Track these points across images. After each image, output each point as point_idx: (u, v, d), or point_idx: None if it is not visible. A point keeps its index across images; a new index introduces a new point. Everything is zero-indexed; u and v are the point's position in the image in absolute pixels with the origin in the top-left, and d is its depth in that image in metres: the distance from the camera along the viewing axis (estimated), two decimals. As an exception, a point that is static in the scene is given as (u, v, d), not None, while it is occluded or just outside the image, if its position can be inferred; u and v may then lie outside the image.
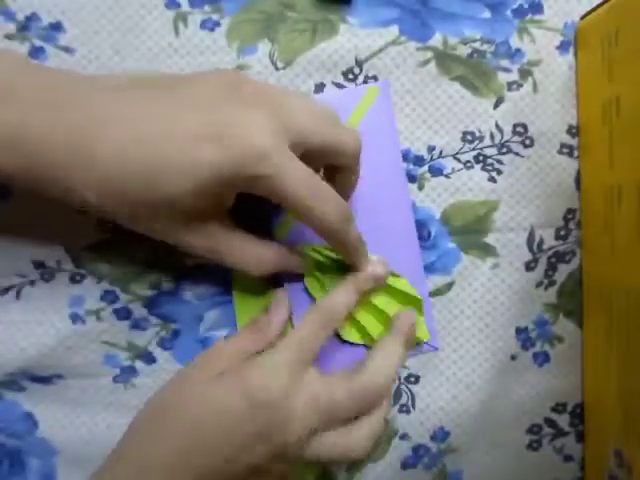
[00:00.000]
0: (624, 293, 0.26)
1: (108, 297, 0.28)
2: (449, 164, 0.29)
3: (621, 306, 0.26)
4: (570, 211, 0.30)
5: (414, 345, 0.29)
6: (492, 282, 0.30)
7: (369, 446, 0.25)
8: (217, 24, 0.28)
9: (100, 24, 0.28)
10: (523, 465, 0.31)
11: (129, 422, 0.28)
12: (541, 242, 0.30)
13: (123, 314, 0.28)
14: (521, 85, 0.29)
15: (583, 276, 0.30)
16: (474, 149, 0.30)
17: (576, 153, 0.30)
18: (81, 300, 0.28)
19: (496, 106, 0.29)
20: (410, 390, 0.30)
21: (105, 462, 0.24)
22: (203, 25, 0.28)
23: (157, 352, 0.29)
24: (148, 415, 0.25)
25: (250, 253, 0.25)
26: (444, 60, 0.29)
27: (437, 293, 0.30)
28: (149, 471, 0.23)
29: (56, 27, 0.28)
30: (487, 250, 0.30)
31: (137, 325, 0.28)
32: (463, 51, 0.29)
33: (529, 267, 0.30)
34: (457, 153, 0.30)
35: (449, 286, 0.30)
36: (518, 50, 0.29)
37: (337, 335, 0.28)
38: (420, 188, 0.29)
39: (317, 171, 0.23)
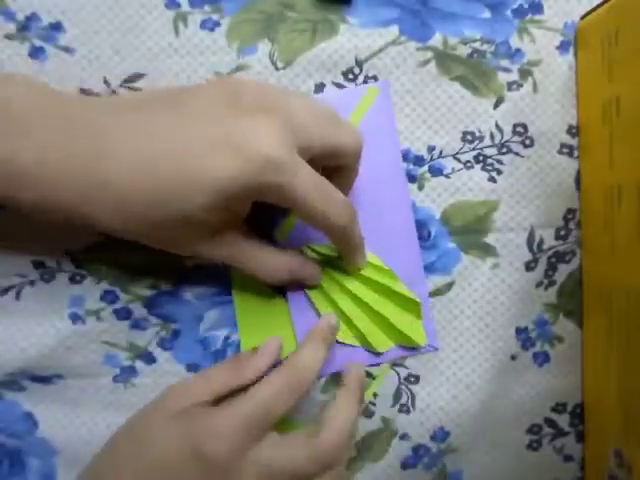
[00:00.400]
0: (624, 293, 0.26)
1: (108, 297, 0.28)
2: (449, 164, 0.29)
3: (621, 306, 0.26)
4: (570, 211, 0.30)
5: (363, 397, 0.28)
6: (492, 282, 0.30)
7: None
8: (217, 24, 0.28)
9: (100, 24, 0.28)
10: (523, 465, 0.31)
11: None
12: (541, 242, 0.30)
13: (123, 314, 0.28)
14: (521, 85, 0.29)
15: (583, 276, 0.30)
16: (474, 149, 0.30)
17: (576, 153, 0.30)
18: (81, 300, 0.28)
19: (496, 106, 0.29)
20: (410, 390, 0.30)
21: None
22: (203, 25, 0.28)
23: (157, 352, 0.29)
24: (115, 442, 0.25)
25: (267, 261, 0.26)
26: (444, 60, 0.29)
27: (437, 293, 0.30)
28: None
29: (56, 27, 0.28)
30: (487, 250, 0.30)
31: (137, 325, 0.28)
32: (463, 51, 0.29)
33: (529, 267, 0.30)
34: (457, 153, 0.30)
35: (449, 286, 0.30)
36: (518, 50, 0.29)
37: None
38: (420, 188, 0.29)
39: (317, 171, 0.23)
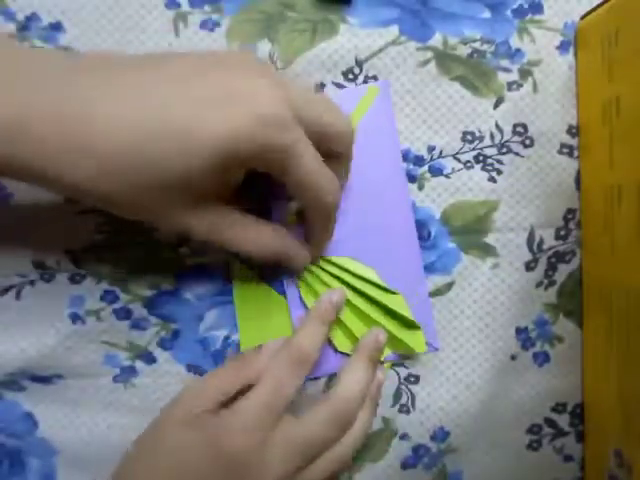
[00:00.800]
0: (624, 293, 0.26)
1: (108, 297, 0.28)
2: (449, 164, 0.29)
3: (621, 306, 0.26)
4: (570, 211, 0.30)
5: (380, 358, 0.29)
6: (492, 282, 0.30)
7: (355, 452, 0.26)
8: (217, 24, 0.28)
9: (100, 24, 0.28)
10: (523, 465, 0.31)
11: (129, 422, 0.28)
12: (541, 242, 0.30)
13: (123, 314, 0.28)
14: (521, 85, 0.29)
15: (583, 276, 0.30)
16: (474, 149, 0.30)
17: (576, 153, 0.30)
18: (81, 300, 0.28)
19: (496, 106, 0.29)
20: (410, 390, 0.30)
21: None
22: (203, 25, 0.28)
23: (157, 352, 0.29)
24: (134, 453, 0.25)
25: (251, 234, 0.24)
26: (444, 60, 0.29)
27: (437, 293, 0.30)
28: None
29: (56, 27, 0.28)
30: (487, 250, 0.30)
31: (137, 325, 0.28)
32: (463, 51, 0.29)
33: (529, 267, 0.30)
34: (457, 153, 0.30)
35: (449, 286, 0.30)
36: (518, 50, 0.29)
37: (330, 344, 0.29)
38: (420, 188, 0.29)
39: None
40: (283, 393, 0.24)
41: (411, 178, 0.29)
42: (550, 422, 0.31)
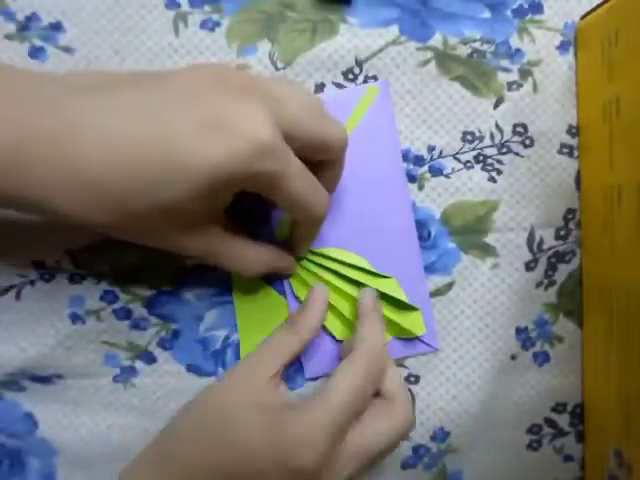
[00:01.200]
0: (624, 293, 0.26)
1: (108, 297, 0.28)
2: (449, 164, 0.29)
3: (621, 306, 0.26)
4: (570, 211, 0.30)
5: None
6: (492, 282, 0.30)
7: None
8: (217, 24, 0.28)
9: (100, 24, 0.28)
10: (523, 465, 0.31)
11: (129, 422, 0.28)
12: (541, 242, 0.30)
13: (123, 314, 0.28)
14: (521, 85, 0.29)
15: (583, 276, 0.30)
16: (474, 149, 0.30)
17: (576, 153, 0.30)
18: (81, 300, 0.28)
19: (496, 106, 0.29)
20: (410, 390, 0.30)
21: (143, 458, 0.25)
22: (203, 25, 0.28)
23: (157, 352, 0.29)
24: (192, 420, 0.25)
25: (244, 256, 0.25)
26: (444, 60, 0.29)
27: (437, 293, 0.30)
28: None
29: (56, 27, 0.28)
30: (487, 250, 0.30)
31: (137, 325, 0.28)
32: (463, 51, 0.29)
33: (529, 267, 0.30)
34: (457, 153, 0.30)
35: (449, 286, 0.30)
36: (518, 50, 0.29)
37: (332, 336, 0.29)
38: (420, 188, 0.29)
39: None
40: (356, 407, 0.23)
41: (411, 178, 0.29)
42: (550, 422, 0.31)
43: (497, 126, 0.29)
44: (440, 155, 0.29)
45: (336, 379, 0.24)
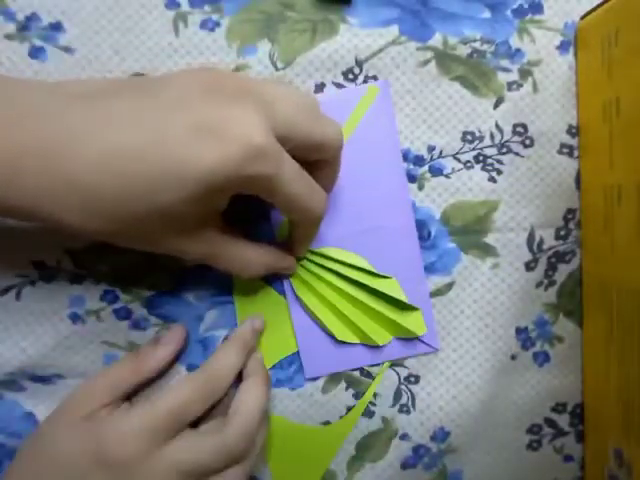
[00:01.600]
0: (624, 293, 0.26)
1: (108, 297, 0.28)
2: (449, 164, 0.29)
3: (621, 306, 0.26)
4: (570, 211, 0.30)
5: (253, 351, 0.28)
6: (492, 282, 0.30)
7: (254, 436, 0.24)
8: (217, 24, 0.28)
9: (100, 24, 0.28)
10: (523, 465, 0.31)
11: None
12: (541, 242, 0.30)
13: (123, 314, 0.28)
14: (521, 85, 0.29)
15: (583, 276, 0.30)
16: (474, 149, 0.30)
17: (576, 153, 0.30)
18: (81, 300, 0.28)
19: (496, 106, 0.29)
20: (410, 390, 0.30)
21: None
22: (203, 25, 0.28)
23: (157, 352, 0.29)
24: (22, 454, 0.24)
25: (243, 258, 0.25)
26: (444, 60, 0.29)
27: (437, 293, 0.30)
28: None
29: (56, 27, 0.28)
30: (487, 250, 0.30)
31: (137, 325, 0.28)
32: (463, 51, 0.29)
33: (529, 267, 0.30)
34: (457, 153, 0.30)
35: (449, 286, 0.30)
36: (518, 50, 0.29)
37: (332, 337, 0.29)
38: (420, 188, 0.29)
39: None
40: (183, 416, 0.23)
41: (411, 178, 0.29)
42: (550, 422, 0.31)
43: (497, 126, 0.29)
44: (440, 155, 0.29)
45: (170, 389, 0.24)
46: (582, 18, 0.29)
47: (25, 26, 0.28)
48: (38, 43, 0.28)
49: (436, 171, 0.29)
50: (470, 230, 0.30)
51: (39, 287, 0.28)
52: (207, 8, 0.28)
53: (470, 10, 0.29)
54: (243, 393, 0.25)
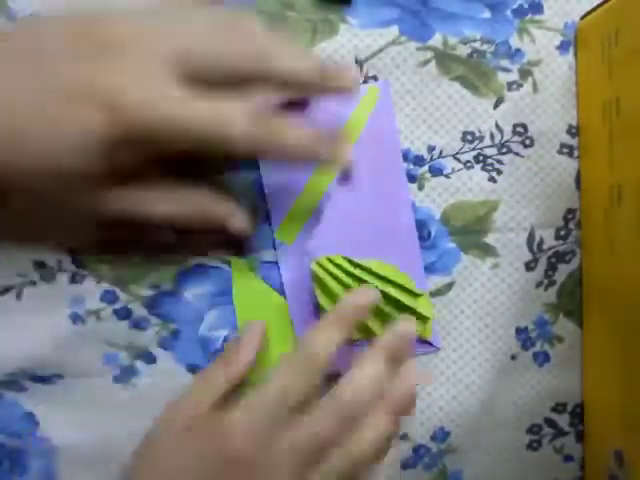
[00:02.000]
0: (624, 293, 0.26)
1: (108, 297, 0.28)
2: (449, 164, 0.29)
3: (621, 306, 0.26)
4: (570, 211, 0.30)
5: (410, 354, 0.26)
6: (492, 282, 0.30)
7: (376, 448, 0.23)
8: (217, 24, 0.28)
9: (100, 24, 0.28)
10: (523, 465, 0.31)
11: (129, 422, 0.28)
12: (541, 242, 0.30)
13: (123, 314, 0.28)
14: (521, 85, 0.29)
15: (583, 276, 0.30)
16: (474, 149, 0.30)
17: (576, 153, 0.30)
18: (81, 300, 0.28)
19: (496, 106, 0.29)
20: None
21: None
22: (203, 25, 0.28)
23: (157, 352, 0.29)
24: (139, 465, 0.25)
25: (167, 199, 0.23)
26: (444, 60, 0.29)
27: (437, 293, 0.30)
28: None
29: (56, 27, 0.28)
30: (487, 250, 0.30)
31: (137, 325, 0.28)
32: (463, 51, 0.29)
33: (529, 267, 0.30)
34: (457, 153, 0.30)
35: (449, 286, 0.30)
36: (518, 50, 0.29)
37: None
38: (420, 188, 0.29)
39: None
40: (289, 399, 0.23)
41: (411, 178, 0.29)
42: (550, 422, 0.31)
43: (497, 126, 0.29)
44: (440, 155, 0.29)
45: (272, 377, 0.24)
46: (582, 18, 0.29)
47: (25, 26, 0.27)
48: (38, 43, 0.28)
49: (436, 171, 0.29)
50: (470, 230, 0.30)
51: (39, 287, 0.28)
52: (207, 8, 0.28)
53: (470, 10, 0.29)
54: (357, 363, 0.24)
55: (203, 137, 0.20)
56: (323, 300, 0.28)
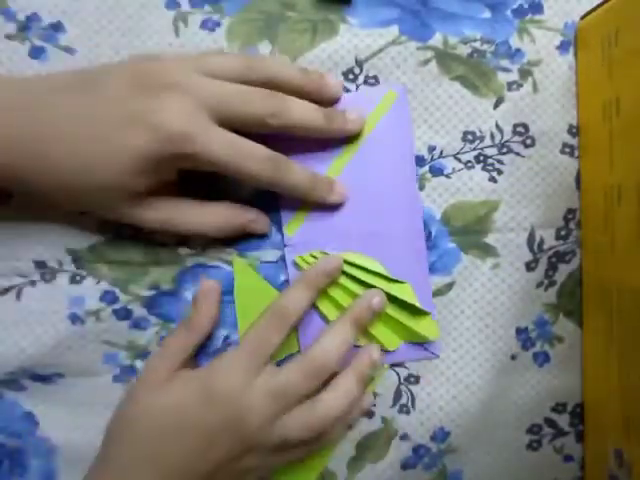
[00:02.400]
0: (624, 293, 0.26)
1: (108, 297, 0.28)
2: (450, 164, 0.29)
3: (621, 306, 0.26)
4: (570, 211, 0.30)
5: (363, 327, 0.28)
6: (492, 282, 0.30)
7: (337, 417, 0.26)
8: (217, 24, 0.28)
9: (100, 24, 0.28)
10: (523, 465, 0.31)
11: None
12: (541, 242, 0.30)
13: (123, 314, 0.28)
14: (521, 85, 0.29)
15: (583, 276, 0.30)
16: (475, 149, 0.30)
17: (577, 153, 0.30)
18: (81, 300, 0.28)
19: (496, 106, 0.29)
20: (410, 390, 0.30)
21: (89, 470, 0.26)
22: (203, 25, 0.28)
23: (157, 352, 0.29)
24: (118, 425, 0.26)
25: (199, 216, 0.27)
26: (444, 60, 0.29)
27: (437, 293, 0.30)
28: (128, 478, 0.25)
29: (56, 27, 0.28)
30: (487, 250, 0.30)
31: (137, 325, 0.28)
32: (463, 51, 0.29)
33: (529, 267, 0.30)
34: (458, 153, 0.30)
35: (449, 286, 0.30)
36: (518, 50, 0.29)
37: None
38: (421, 188, 0.29)
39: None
40: (265, 346, 0.26)
41: (411, 178, 0.29)
42: (550, 422, 0.31)
43: (497, 126, 0.29)
44: (441, 155, 0.29)
45: (249, 331, 0.27)
46: (582, 18, 0.29)
47: (25, 26, 0.28)
48: (38, 43, 0.28)
49: (437, 171, 0.29)
50: (470, 230, 0.30)
51: (39, 287, 0.28)
52: (207, 8, 0.28)
53: (470, 10, 0.29)
54: (331, 328, 0.27)
55: (226, 166, 0.25)
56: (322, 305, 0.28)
